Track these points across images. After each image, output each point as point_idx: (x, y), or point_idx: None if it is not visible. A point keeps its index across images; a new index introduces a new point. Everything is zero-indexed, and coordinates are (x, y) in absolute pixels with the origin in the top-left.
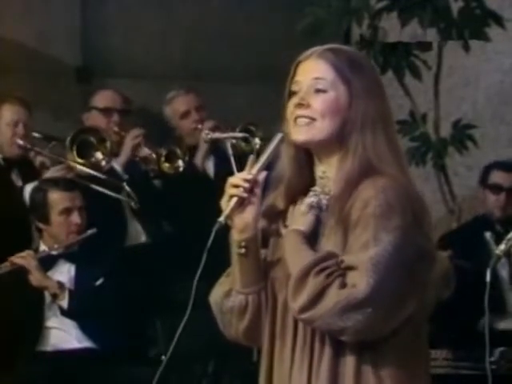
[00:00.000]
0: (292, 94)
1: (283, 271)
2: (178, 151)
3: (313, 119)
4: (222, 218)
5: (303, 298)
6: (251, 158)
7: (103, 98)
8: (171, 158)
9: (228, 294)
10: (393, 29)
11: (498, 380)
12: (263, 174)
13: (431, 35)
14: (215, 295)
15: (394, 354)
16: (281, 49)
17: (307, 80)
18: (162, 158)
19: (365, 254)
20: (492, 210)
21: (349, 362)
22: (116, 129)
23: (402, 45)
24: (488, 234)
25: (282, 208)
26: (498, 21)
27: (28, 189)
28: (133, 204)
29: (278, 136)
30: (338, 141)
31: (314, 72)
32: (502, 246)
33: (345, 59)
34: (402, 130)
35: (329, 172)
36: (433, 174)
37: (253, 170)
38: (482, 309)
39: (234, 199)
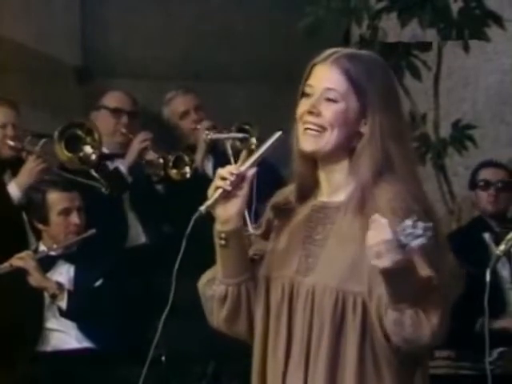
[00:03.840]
0: (304, 95)
1: (284, 271)
2: (186, 158)
3: (322, 129)
4: (202, 208)
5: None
6: (244, 153)
7: (114, 99)
8: (179, 164)
9: (211, 282)
10: (392, 29)
11: (496, 380)
12: (253, 170)
13: (431, 35)
14: (201, 282)
15: (397, 358)
16: (280, 49)
17: (319, 87)
18: (170, 164)
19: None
20: (485, 207)
21: (349, 364)
22: (123, 130)
23: (401, 45)
24: (487, 235)
25: (293, 204)
26: (498, 21)
27: (13, 185)
28: (103, 190)
29: (276, 134)
30: (345, 150)
31: (326, 81)
32: (502, 247)
33: (362, 68)
34: None
35: (332, 179)
36: (432, 174)
37: (243, 166)
38: (481, 309)
39: (219, 191)
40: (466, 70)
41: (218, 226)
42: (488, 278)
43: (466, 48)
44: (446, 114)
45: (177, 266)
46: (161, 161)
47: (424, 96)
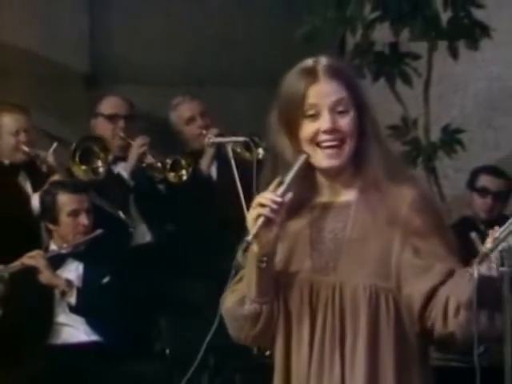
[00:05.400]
0: (307, 116)
1: (299, 274)
2: (183, 161)
3: (342, 143)
4: (249, 238)
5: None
6: (278, 178)
7: (109, 105)
8: (176, 167)
9: (242, 302)
10: (385, 38)
11: (482, 371)
12: (289, 196)
13: (422, 44)
14: (228, 302)
15: (419, 350)
16: (280, 55)
17: (325, 103)
18: (168, 167)
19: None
20: (478, 212)
21: (388, 358)
22: (122, 134)
23: (394, 53)
24: (473, 234)
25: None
26: (485, 31)
27: (35, 197)
28: (130, 229)
29: (302, 157)
30: (354, 154)
31: (331, 95)
32: (489, 245)
33: (350, 76)
34: (393, 134)
35: (336, 181)
36: (423, 176)
37: (278, 191)
38: None
39: (262, 218)
40: (455, 77)
41: (258, 251)
42: (476, 274)
43: (455, 55)
44: (436, 119)
45: (209, 338)
46: (159, 164)
47: (415, 102)
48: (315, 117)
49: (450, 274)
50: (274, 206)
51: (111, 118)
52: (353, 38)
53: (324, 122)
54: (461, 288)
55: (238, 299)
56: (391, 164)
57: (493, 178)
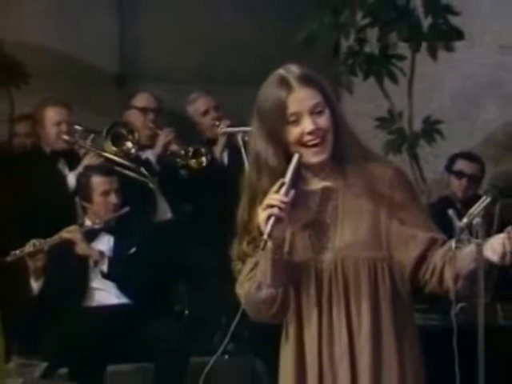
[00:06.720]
0: (289, 123)
1: (299, 257)
2: (203, 149)
3: (324, 138)
4: (265, 237)
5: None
6: (281, 180)
7: (142, 99)
8: (197, 155)
9: (259, 288)
10: (375, 41)
11: (457, 330)
12: (292, 193)
13: (406, 46)
14: (245, 288)
15: (411, 311)
16: (282, 57)
17: (304, 108)
18: (190, 154)
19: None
20: (455, 193)
21: (388, 323)
22: (151, 125)
23: (382, 54)
24: (451, 211)
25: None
26: (460, 35)
27: (71, 176)
28: (150, 184)
29: (296, 158)
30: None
31: (308, 100)
32: (465, 220)
33: (320, 81)
34: (381, 125)
35: (316, 170)
36: (407, 161)
37: (282, 191)
38: None
39: (273, 218)
40: (434, 75)
41: (272, 246)
42: (453, 246)
43: (434, 56)
44: (418, 112)
45: (233, 326)
46: (182, 152)
47: (400, 97)
48: (297, 122)
49: (434, 240)
50: (283, 206)
51: (143, 110)
52: (346, 41)
53: (307, 124)
54: (459, 260)
55: (255, 286)
56: (362, 148)
57: (468, 162)
